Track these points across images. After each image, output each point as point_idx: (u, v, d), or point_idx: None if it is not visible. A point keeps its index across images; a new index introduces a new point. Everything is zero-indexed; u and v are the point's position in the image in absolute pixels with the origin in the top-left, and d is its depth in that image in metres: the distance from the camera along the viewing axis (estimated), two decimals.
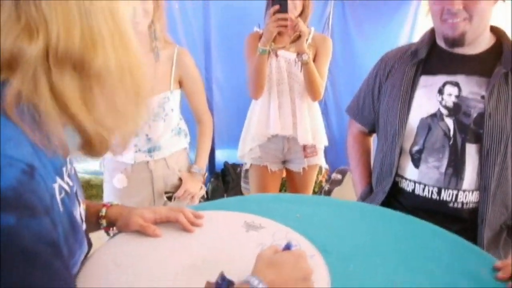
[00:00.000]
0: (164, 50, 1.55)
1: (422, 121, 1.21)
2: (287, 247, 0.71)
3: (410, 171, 1.23)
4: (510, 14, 1.25)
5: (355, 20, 2.97)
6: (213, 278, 0.69)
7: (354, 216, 1.06)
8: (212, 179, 3.17)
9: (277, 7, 1.70)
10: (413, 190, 1.22)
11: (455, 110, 1.16)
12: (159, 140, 1.60)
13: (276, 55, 1.89)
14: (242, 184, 2.92)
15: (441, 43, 1.22)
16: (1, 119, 0.52)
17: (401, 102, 1.23)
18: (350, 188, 2.40)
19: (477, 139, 1.14)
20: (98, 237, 0.91)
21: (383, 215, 1.07)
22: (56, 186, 0.59)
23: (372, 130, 1.45)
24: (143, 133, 1.56)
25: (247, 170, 2.19)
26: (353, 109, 1.49)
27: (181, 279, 0.74)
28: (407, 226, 1.01)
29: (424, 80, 1.22)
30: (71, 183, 0.67)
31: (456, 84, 1.17)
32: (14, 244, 0.47)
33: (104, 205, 0.91)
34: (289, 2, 1.72)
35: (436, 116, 1.19)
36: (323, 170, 2.89)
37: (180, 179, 1.68)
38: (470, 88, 1.15)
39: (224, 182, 3.18)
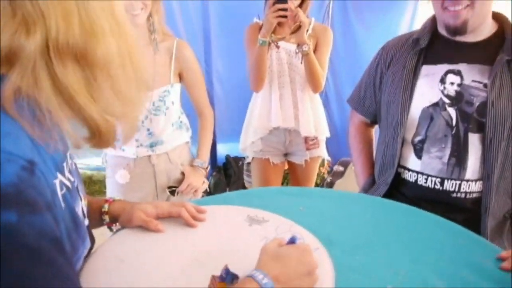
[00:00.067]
0: (163, 42, 1.54)
1: (424, 110, 1.20)
2: (292, 241, 0.71)
3: (412, 162, 1.22)
4: (510, 14, 1.24)
5: (355, 9, 2.94)
6: (217, 272, 0.69)
7: (357, 208, 1.06)
8: (214, 173, 3.17)
9: None
10: (416, 181, 1.22)
11: (457, 99, 1.15)
12: (161, 135, 1.60)
13: (277, 47, 1.87)
14: (245, 177, 2.92)
15: (442, 31, 1.21)
16: (0, 115, 0.52)
17: (402, 92, 1.22)
18: (352, 180, 2.40)
19: (480, 128, 1.13)
20: (101, 233, 0.91)
21: (386, 206, 1.07)
22: (57, 182, 0.59)
23: (374, 120, 1.45)
24: (144, 127, 1.56)
25: (249, 163, 2.19)
26: (354, 100, 1.48)
27: (185, 273, 0.74)
28: (410, 217, 1.01)
29: (426, 69, 1.21)
30: (72, 179, 0.67)
31: (458, 73, 1.16)
32: (16, 241, 0.47)
33: (106, 201, 0.91)
34: None
35: (438, 106, 1.18)
36: (325, 162, 2.89)
37: (183, 173, 1.68)
38: (472, 76, 1.14)
39: (226, 175, 3.18)
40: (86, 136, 0.61)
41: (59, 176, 0.60)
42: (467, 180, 1.15)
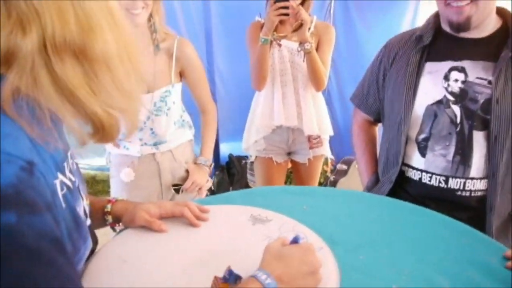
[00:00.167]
0: (163, 42, 1.53)
1: (428, 108, 1.19)
2: (295, 240, 0.70)
3: (416, 160, 1.22)
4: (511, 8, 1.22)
5: (357, 8, 2.93)
6: (220, 272, 0.68)
7: (361, 206, 1.05)
8: (217, 172, 3.16)
9: None
10: (420, 179, 1.21)
11: (462, 96, 1.14)
12: (164, 135, 1.60)
13: (279, 45, 1.87)
14: (248, 176, 2.92)
15: (446, 27, 1.20)
16: None
17: (406, 89, 1.21)
18: (355, 178, 2.39)
19: (485, 125, 1.12)
20: (104, 233, 0.91)
21: (390, 205, 1.06)
22: (57, 182, 0.59)
23: (377, 118, 1.44)
24: (147, 127, 1.56)
25: (252, 163, 2.18)
26: (357, 98, 1.47)
27: (188, 273, 0.74)
28: (414, 216, 1.00)
29: (429, 66, 1.20)
30: (73, 179, 0.66)
31: (462, 70, 1.15)
32: (15, 241, 0.47)
33: (109, 201, 0.91)
34: None
35: (442, 103, 1.17)
36: (329, 161, 2.88)
37: (187, 171, 1.68)
38: (477, 73, 1.13)
39: (229, 174, 3.17)
40: (90, 131, 0.60)
41: (60, 176, 0.60)
42: (472, 178, 1.15)
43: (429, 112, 1.19)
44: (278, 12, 1.69)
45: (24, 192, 0.49)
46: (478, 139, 1.13)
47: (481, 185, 1.15)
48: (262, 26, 1.82)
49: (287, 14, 1.70)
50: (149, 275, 0.74)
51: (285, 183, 2.43)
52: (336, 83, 3.15)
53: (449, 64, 1.17)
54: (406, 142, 1.23)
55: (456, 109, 1.15)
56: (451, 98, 1.16)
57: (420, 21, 2.72)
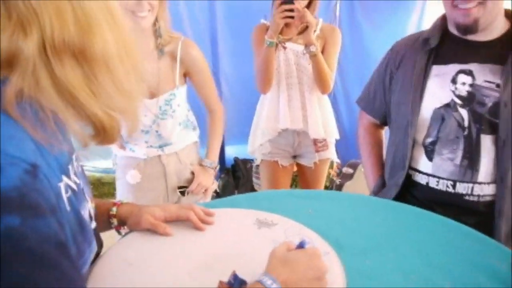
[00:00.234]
0: (167, 46, 1.53)
1: (435, 111, 1.18)
2: (301, 245, 0.70)
3: (423, 164, 1.21)
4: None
5: (362, 9, 2.92)
6: (226, 276, 0.68)
7: (367, 210, 1.04)
8: (222, 175, 3.16)
9: None
10: (427, 183, 1.20)
11: (469, 100, 1.13)
12: (170, 137, 1.60)
13: (284, 48, 1.86)
14: (254, 179, 2.91)
15: (453, 30, 1.19)
16: (2, 118, 0.52)
17: (413, 92, 1.20)
18: (361, 182, 2.38)
19: (493, 129, 1.11)
20: (109, 235, 0.91)
21: (396, 209, 1.05)
22: (62, 185, 0.59)
23: (383, 122, 1.43)
24: (152, 130, 1.56)
25: (257, 166, 2.18)
26: (363, 101, 1.46)
27: (193, 277, 0.73)
28: (421, 220, 0.99)
29: (436, 69, 1.19)
30: (78, 181, 0.66)
31: (470, 73, 1.14)
32: (18, 244, 0.46)
33: (114, 204, 0.91)
34: None
35: (449, 106, 1.16)
36: (334, 164, 2.87)
37: (193, 173, 1.68)
38: (484, 76, 1.12)
39: (235, 178, 3.17)
40: (91, 133, 0.60)
41: (65, 178, 0.60)
42: (480, 183, 1.13)
43: (437, 116, 1.18)
44: (283, 14, 1.69)
45: (28, 195, 0.49)
46: (486, 143, 1.12)
47: (489, 189, 1.13)
48: (267, 29, 1.82)
49: (292, 17, 1.70)
50: (154, 279, 0.73)
51: (291, 186, 2.41)
52: (342, 86, 3.14)
53: (457, 67, 1.16)
54: (413, 146, 1.22)
55: (464, 112, 1.14)
56: (458, 101, 1.15)
57: (427, 21, 2.71)
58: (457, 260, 0.84)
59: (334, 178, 3.00)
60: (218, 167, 1.76)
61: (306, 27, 1.74)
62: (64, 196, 0.59)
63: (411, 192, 1.25)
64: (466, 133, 1.14)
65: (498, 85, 1.10)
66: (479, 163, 1.12)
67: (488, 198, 1.14)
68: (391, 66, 1.31)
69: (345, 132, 2.97)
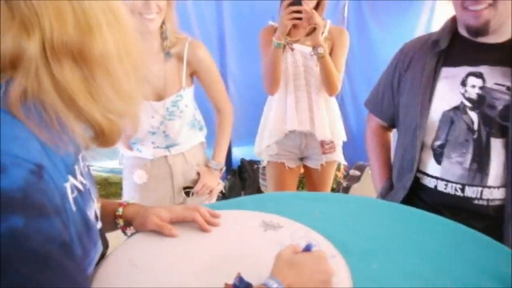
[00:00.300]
0: (174, 47, 1.52)
1: (444, 114, 1.17)
2: (307, 248, 0.69)
3: (432, 167, 1.19)
4: None
5: (371, 10, 2.90)
6: (231, 278, 0.67)
7: (374, 213, 1.03)
8: (229, 177, 3.16)
9: None
10: (436, 187, 1.19)
11: (479, 102, 1.12)
12: (177, 138, 1.60)
13: (292, 49, 1.86)
14: (260, 181, 2.90)
15: (463, 32, 1.18)
16: (7, 118, 0.52)
17: (422, 94, 1.19)
18: (368, 185, 2.36)
19: (503, 132, 1.10)
20: (115, 236, 0.91)
21: (404, 212, 1.05)
22: (67, 185, 0.59)
23: (391, 124, 1.42)
24: (160, 131, 1.56)
25: (264, 167, 2.17)
26: (371, 103, 1.45)
27: (198, 278, 0.73)
28: (429, 224, 0.98)
29: (445, 71, 1.18)
30: (84, 181, 0.66)
31: (480, 75, 1.13)
32: (22, 245, 0.46)
33: (120, 204, 0.91)
34: None
35: (459, 109, 1.15)
36: (341, 166, 2.85)
37: (199, 174, 1.68)
38: (495, 79, 1.11)
39: (241, 179, 3.17)
40: (91, 136, 0.60)
41: (71, 179, 0.60)
42: (490, 187, 1.12)
43: (446, 118, 1.16)
44: (291, 16, 1.69)
45: (33, 195, 0.49)
46: (496, 146, 1.10)
47: (499, 193, 1.12)
48: (275, 30, 1.81)
49: (300, 18, 1.69)
50: (159, 280, 0.73)
51: (297, 188, 2.41)
52: (350, 88, 3.12)
53: (467, 69, 1.15)
54: (422, 149, 1.21)
55: (474, 115, 1.13)
56: (468, 104, 1.13)
57: (436, 22, 2.68)
58: (465, 265, 0.83)
59: (341, 181, 2.98)
60: (224, 169, 1.76)
61: (314, 29, 1.74)
62: (70, 197, 0.59)
63: (419, 195, 1.23)
64: (475, 136, 1.12)
65: (508, 88, 1.09)
66: (489, 166, 1.11)
67: (497, 202, 1.12)
68: (400, 68, 1.30)
69: (352, 134, 2.95)
